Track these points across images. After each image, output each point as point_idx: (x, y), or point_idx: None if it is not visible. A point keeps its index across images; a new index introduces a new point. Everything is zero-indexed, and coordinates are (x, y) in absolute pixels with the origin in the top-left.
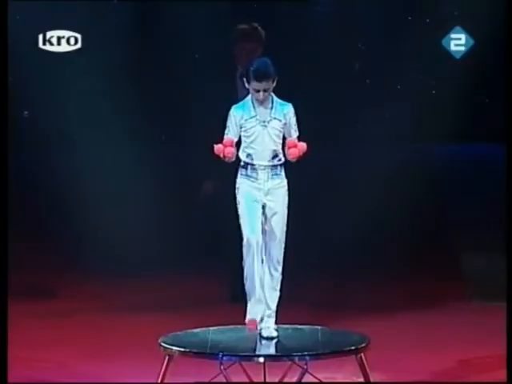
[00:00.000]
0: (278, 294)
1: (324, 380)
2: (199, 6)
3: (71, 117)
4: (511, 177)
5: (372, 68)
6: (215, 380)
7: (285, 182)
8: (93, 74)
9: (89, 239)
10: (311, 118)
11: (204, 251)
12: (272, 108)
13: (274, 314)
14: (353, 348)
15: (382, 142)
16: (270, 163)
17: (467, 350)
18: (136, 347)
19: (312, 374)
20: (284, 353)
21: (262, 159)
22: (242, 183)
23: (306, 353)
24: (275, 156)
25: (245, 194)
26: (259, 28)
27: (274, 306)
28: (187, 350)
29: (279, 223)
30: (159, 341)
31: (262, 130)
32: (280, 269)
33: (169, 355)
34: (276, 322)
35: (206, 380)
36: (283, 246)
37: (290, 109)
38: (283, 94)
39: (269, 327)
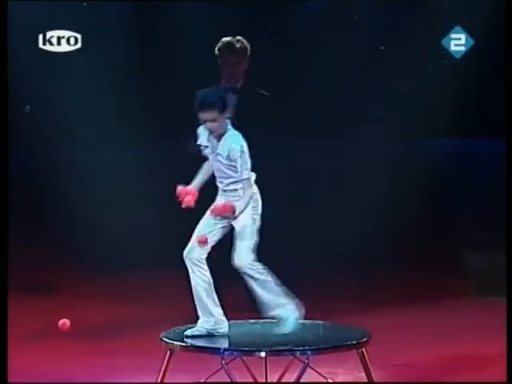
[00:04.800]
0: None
1: (325, 374)
2: (199, 6)
3: (71, 116)
4: (511, 172)
5: (372, 67)
6: (216, 374)
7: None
8: (92, 73)
9: (89, 235)
10: (310, 117)
11: None
12: (219, 141)
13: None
14: (354, 343)
15: (382, 140)
16: (225, 187)
17: (467, 345)
18: (136, 344)
19: (313, 369)
20: (285, 347)
21: (219, 183)
22: None
23: (307, 347)
24: (230, 183)
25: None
26: (243, 40)
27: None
28: (188, 344)
29: (239, 235)
30: (160, 336)
31: (214, 160)
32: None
33: (170, 350)
34: (276, 318)
35: (207, 375)
36: (249, 251)
37: (233, 148)
38: (281, 95)
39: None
